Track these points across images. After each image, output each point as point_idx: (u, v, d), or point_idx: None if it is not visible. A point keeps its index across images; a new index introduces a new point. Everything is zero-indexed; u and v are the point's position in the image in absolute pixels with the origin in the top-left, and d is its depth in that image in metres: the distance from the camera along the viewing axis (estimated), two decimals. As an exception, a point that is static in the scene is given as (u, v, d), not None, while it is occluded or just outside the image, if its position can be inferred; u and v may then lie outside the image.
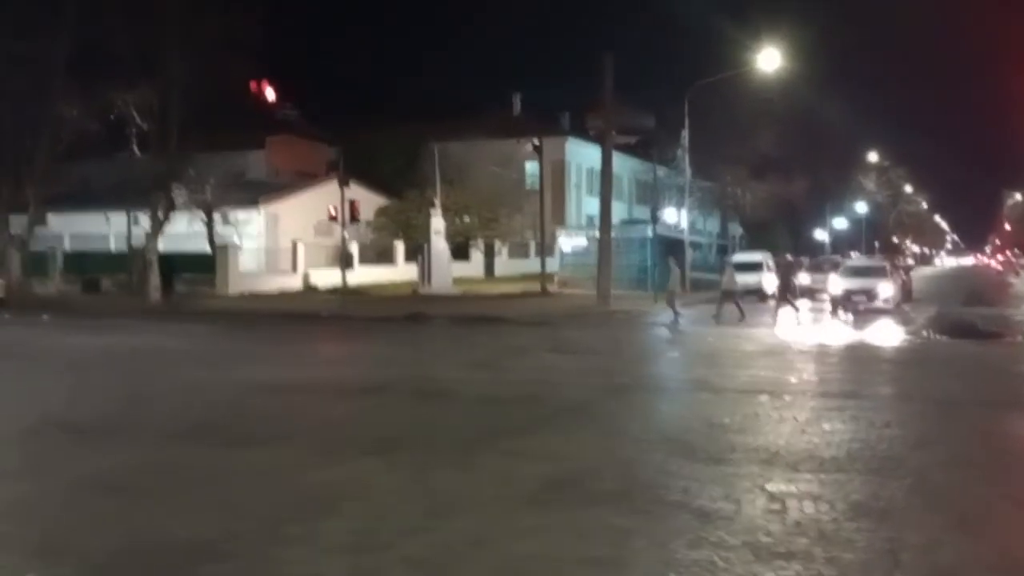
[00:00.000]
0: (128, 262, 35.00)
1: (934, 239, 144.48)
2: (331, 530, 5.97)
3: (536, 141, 36.43)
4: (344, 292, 31.38)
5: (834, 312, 27.01)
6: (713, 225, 59.12)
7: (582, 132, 51.90)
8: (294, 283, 37.85)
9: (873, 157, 79.95)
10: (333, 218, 31.23)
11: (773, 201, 52.64)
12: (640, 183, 56.94)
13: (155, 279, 31.52)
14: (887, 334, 21.44)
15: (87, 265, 37.68)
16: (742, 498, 6.68)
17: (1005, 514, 6.57)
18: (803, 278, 37.87)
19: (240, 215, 38.22)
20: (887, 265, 31.40)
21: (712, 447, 8.46)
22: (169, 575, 5.29)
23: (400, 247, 43.85)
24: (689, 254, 38.63)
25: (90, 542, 5.78)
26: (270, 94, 25.82)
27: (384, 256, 44.52)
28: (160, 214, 31.98)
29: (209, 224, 36.99)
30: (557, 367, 14.77)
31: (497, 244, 49.91)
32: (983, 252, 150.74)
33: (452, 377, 13.38)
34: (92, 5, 28.49)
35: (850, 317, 25.89)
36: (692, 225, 52.60)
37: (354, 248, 41.81)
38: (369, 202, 46.82)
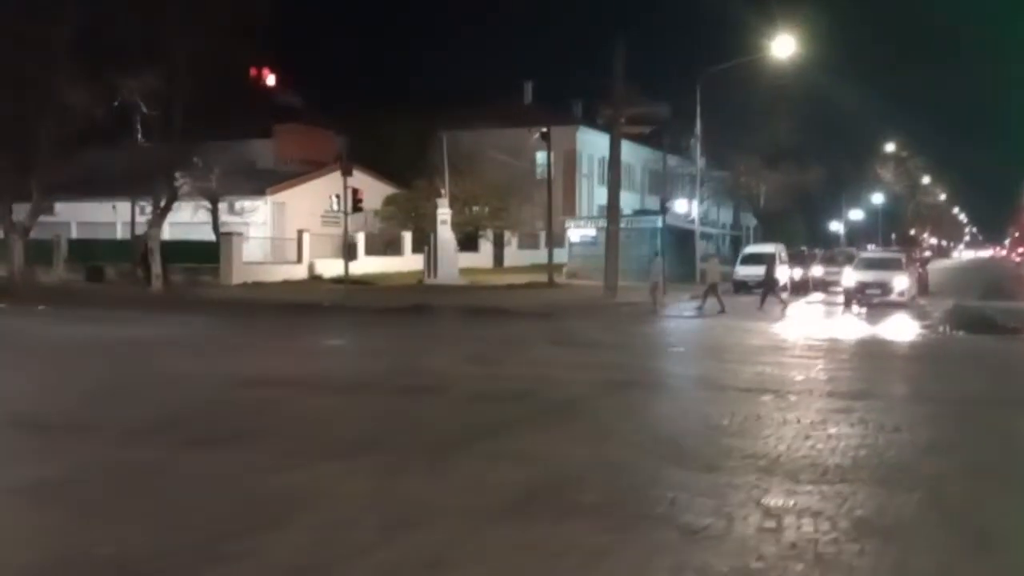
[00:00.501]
0: (132, 251, 34.58)
1: (952, 231, 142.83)
2: (273, 546, 5.40)
3: (543, 129, 35.61)
4: (348, 282, 30.89)
5: (847, 306, 26.31)
6: (727, 216, 58.28)
7: (594, 121, 51.21)
8: (299, 273, 37.37)
9: (891, 147, 78.74)
10: (356, 209, 30.43)
11: (788, 191, 51.70)
12: (653, 173, 56.16)
13: (157, 268, 31.10)
14: (901, 329, 20.75)
15: (92, 253, 37.30)
16: (734, 513, 6.06)
17: (1026, 533, 5.94)
18: (816, 270, 37.23)
19: (247, 204, 37.78)
20: (903, 257, 30.59)
21: (707, 452, 7.85)
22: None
23: (408, 237, 43.28)
24: (703, 246, 37.99)
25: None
26: (270, 79, 25.26)
27: (392, 246, 44.01)
28: (162, 202, 31.47)
29: (214, 213, 36.59)
30: (554, 361, 14.16)
31: (507, 234, 49.32)
32: (1002, 245, 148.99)
33: (444, 371, 12.81)
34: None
35: (863, 311, 25.18)
36: (705, 216, 51.95)
37: (360, 238, 41.36)
38: (378, 191, 46.36)
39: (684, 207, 41.10)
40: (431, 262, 35.25)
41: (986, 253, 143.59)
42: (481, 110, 47.56)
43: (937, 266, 60.17)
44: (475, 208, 45.35)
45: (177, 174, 32.83)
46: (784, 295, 26.09)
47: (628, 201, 51.40)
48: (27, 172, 31.83)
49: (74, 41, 29.48)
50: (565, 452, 7.84)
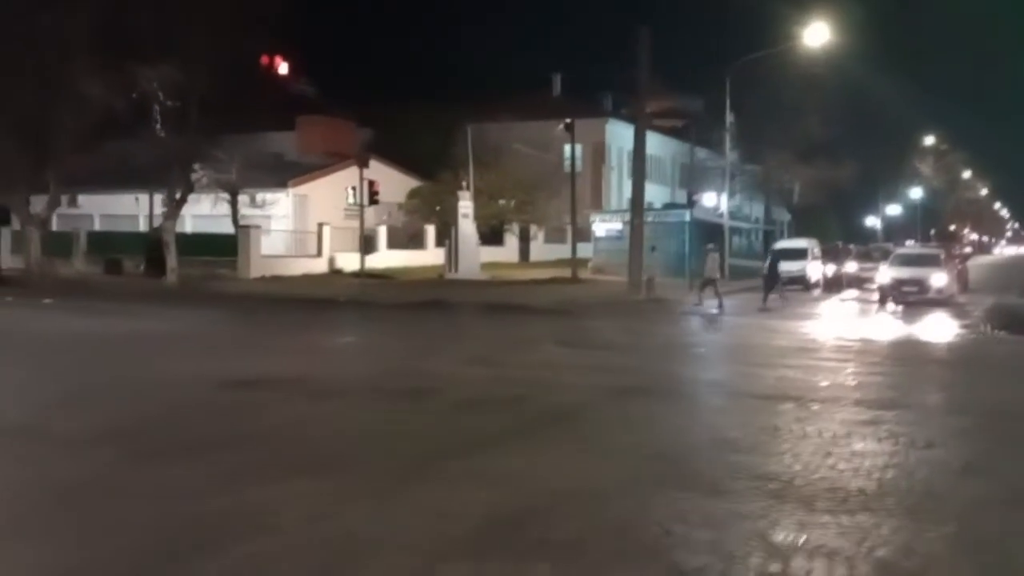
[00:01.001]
0: (150, 243, 34.18)
1: (994, 227, 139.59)
2: (182, 589, 4.60)
3: (567, 120, 34.66)
4: (366, 276, 30.27)
5: (882, 304, 25.20)
6: (759, 210, 56.91)
7: (623, 113, 50.16)
8: (320, 266, 36.79)
9: (930, 140, 76.68)
10: (372, 202, 29.57)
11: (821, 186, 50.22)
12: (684, 166, 54.97)
13: (172, 261, 30.64)
14: (939, 329, 19.62)
15: (111, 246, 36.99)
16: (735, 551, 5.17)
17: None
18: (850, 267, 36.00)
19: (268, 196, 37.26)
20: (941, 253, 29.33)
21: (713, 472, 6.95)
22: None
23: (431, 230, 42.54)
24: (737, 241, 36.89)
25: None
26: (283, 68, 24.54)
27: (416, 239, 43.32)
28: (177, 195, 30.99)
29: (233, 205, 36.10)
30: (562, 363, 13.29)
31: (533, 228, 48.47)
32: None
33: (442, 373, 11.99)
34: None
35: (899, 309, 24.04)
36: (738, 210, 50.63)
37: (382, 231, 40.74)
38: (403, 184, 45.71)
39: (713, 201, 39.92)
40: (452, 256, 34.47)
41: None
42: (508, 102, 46.64)
43: (978, 262, 58.33)
44: (500, 202, 44.54)
45: (196, 166, 32.38)
46: (783, 293, 24.96)
47: (658, 195, 50.36)
48: (44, 164, 31.53)
49: (89, 31, 29.05)
50: (550, 471, 6.98)
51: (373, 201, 28.58)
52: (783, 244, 35.72)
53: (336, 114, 45.36)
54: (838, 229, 58.58)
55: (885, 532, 5.54)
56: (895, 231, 71.25)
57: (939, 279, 25.42)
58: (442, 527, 5.55)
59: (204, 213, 36.39)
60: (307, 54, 26.34)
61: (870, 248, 42.36)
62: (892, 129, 62.09)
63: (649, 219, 33.75)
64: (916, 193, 76.78)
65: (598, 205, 49.86)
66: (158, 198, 36.79)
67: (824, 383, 11.36)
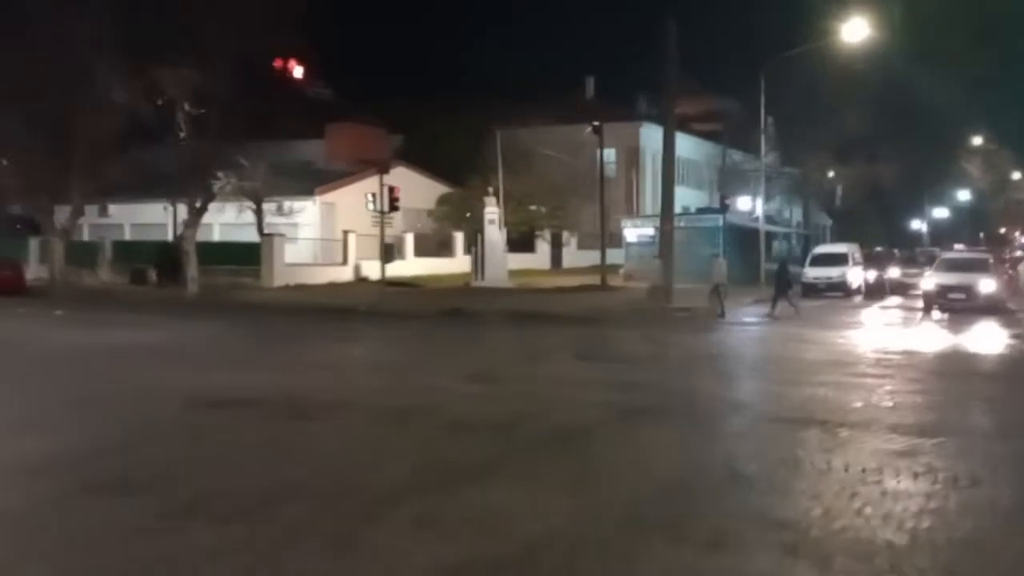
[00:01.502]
0: (173, 252, 33.76)
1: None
2: None
3: (595, 123, 33.65)
4: (391, 284, 29.62)
5: (926, 312, 23.85)
6: (797, 214, 55.35)
7: (659, 116, 48.96)
8: (345, 274, 36.19)
9: (978, 140, 74.19)
10: (388, 209, 28.69)
11: (862, 188, 48.52)
12: (721, 170, 53.68)
13: (193, 270, 30.14)
14: (987, 340, 18.32)
15: (137, 255, 36.67)
16: (726, 629, 4.19)
17: None
18: (893, 272, 34.54)
19: (295, 204, 36.79)
20: (989, 258, 27.82)
21: (717, 516, 5.96)
22: None
23: (460, 237, 41.74)
24: (776, 245, 35.58)
25: None
26: (297, 71, 23.86)
27: (445, 247, 42.58)
28: (198, 203, 30.51)
29: (258, 213, 35.66)
30: (572, 378, 12.33)
31: (566, 235, 47.48)
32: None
33: (440, 390, 11.09)
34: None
35: (945, 318, 22.69)
36: (778, 214, 49.18)
37: (409, 238, 40.10)
38: (433, 190, 45.01)
39: (748, 204, 38.60)
40: (478, 264, 33.63)
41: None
42: (540, 106, 45.68)
43: (1029, 267, 56.20)
44: (532, 207, 43.62)
45: (220, 174, 31.93)
46: (794, 300, 23.64)
47: (693, 199, 49.06)
48: (68, 173, 31.24)
49: (114, 36, 28.67)
50: (529, 513, 6.03)
51: (393, 208, 27.83)
52: (822, 249, 34.37)
53: (366, 121, 44.86)
54: (881, 233, 56.69)
55: (918, 603, 4.52)
56: (941, 235, 69.06)
57: (988, 285, 24.00)
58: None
59: (229, 221, 36.04)
60: (334, 60, 25.71)
61: (915, 252, 40.77)
62: (938, 129, 59.83)
63: (682, 224, 32.64)
64: (963, 195, 74.40)
65: (633, 210, 48.71)
66: (183, 207, 36.50)
67: (857, 403, 10.25)
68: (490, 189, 35.05)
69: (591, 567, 5.10)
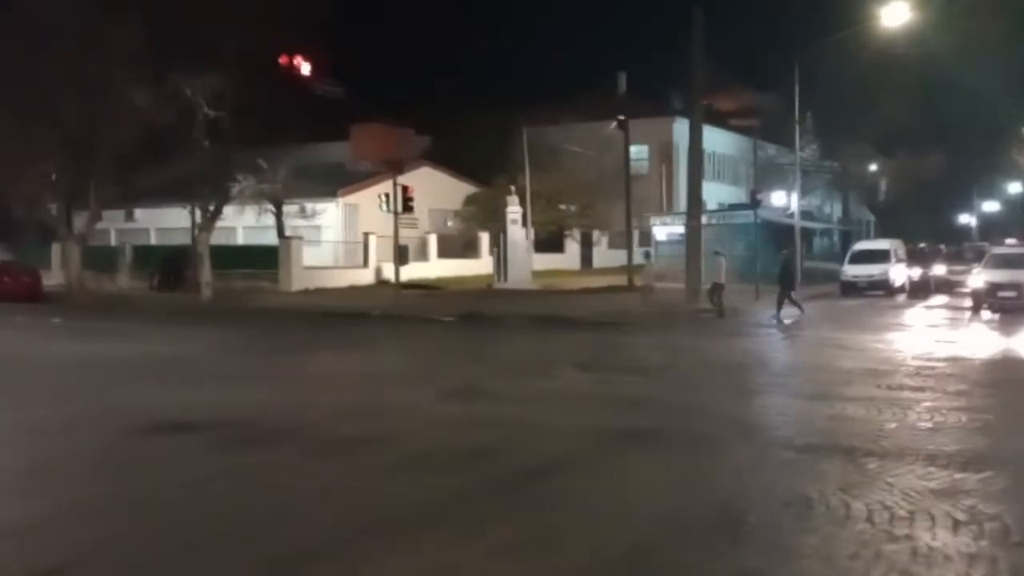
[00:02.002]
0: (178, 256, 33.10)
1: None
2: None
3: (620, 118, 32.32)
4: (411, 287, 28.75)
5: (975, 311, 22.24)
6: (837, 209, 53.36)
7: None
8: (366, 277, 35.30)
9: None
10: (407, 208, 27.48)
11: (906, 181, 46.44)
12: (757, 166, 51.94)
13: (207, 275, 29.38)
14: (1042, 343, 16.74)
15: (156, 261, 36.06)
16: None
17: None
18: (939, 269, 32.76)
19: (317, 206, 36.02)
20: (1043, 253, 26.03)
21: (696, 588, 4.68)
22: None
23: (485, 238, 40.63)
24: (818, 242, 33.93)
25: None
26: (305, 68, 22.87)
27: (471, 247, 41.51)
28: (211, 207, 29.74)
29: (278, 216, 34.92)
30: (568, 394, 11.07)
31: (596, 234, 46.13)
32: None
33: (411, 410, 9.85)
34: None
35: (995, 318, 21.06)
36: (818, 210, 47.34)
37: (432, 239, 39.15)
38: (459, 190, 43.96)
39: (783, 200, 36.93)
40: (501, 264, 32.47)
41: None
42: (570, 102, 44.41)
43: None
44: (560, 207, 42.36)
45: (239, 176, 31.22)
46: (799, 300, 22.05)
47: (728, 195, 47.36)
48: (86, 178, 30.67)
49: (135, 40, 27.92)
50: (459, 583, 4.80)
51: (407, 208, 26.71)
52: (863, 245, 32.75)
53: (391, 122, 44.05)
54: (927, 228, 54.44)
55: None
56: (991, 229, 66.24)
57: (1042, 282, 22.31)
58: None
59: (251, 224, 35.42)
60: (363, 63, 24.78)
61: (962, 248, 38.78)
62: (987, 117, 57.20)
63: (712, 221, 31.21)
64: (1015, 187, 71.45)
65: (666, 208, 47.18)
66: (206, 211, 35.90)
67: (891, 424, 8.86)
68: (512, 188, 33.88)
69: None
